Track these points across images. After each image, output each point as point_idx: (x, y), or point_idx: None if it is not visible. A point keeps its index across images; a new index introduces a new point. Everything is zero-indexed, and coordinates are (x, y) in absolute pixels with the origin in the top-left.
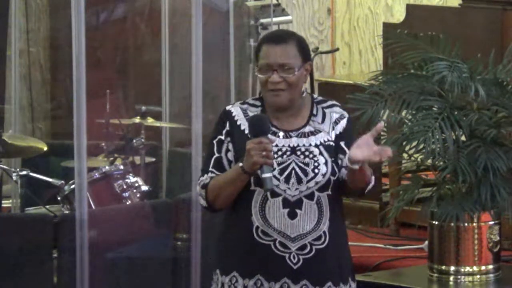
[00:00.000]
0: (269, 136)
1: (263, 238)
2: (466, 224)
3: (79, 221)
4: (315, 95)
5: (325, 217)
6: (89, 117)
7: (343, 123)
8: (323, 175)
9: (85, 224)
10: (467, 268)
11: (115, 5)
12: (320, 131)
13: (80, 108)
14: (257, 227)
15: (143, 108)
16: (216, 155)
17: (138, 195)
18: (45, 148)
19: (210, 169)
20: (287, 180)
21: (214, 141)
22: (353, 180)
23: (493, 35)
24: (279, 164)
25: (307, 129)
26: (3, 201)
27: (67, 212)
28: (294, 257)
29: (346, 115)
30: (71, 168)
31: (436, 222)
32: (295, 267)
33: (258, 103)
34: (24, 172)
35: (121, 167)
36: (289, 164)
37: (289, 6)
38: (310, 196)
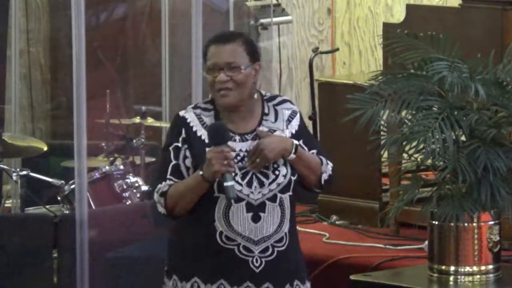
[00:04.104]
0: (229, 144)
1: (226, 243)
2: (466, 224)
3: (79, 221)
4: (263, 92)
5: (286, 219)
6: (89, 117)
7: (297, 120)
8: (284, 176)
9: (85, 224)
10: (467, 268)
11: (115, 5)
12: (275, 131)
13: (80, 108)
14: (221, 232)
15: (143, 108)
16: (174, 162)
17: (138, 195)
18: (45, 148)
19: (168, 176)
20: (249, 184)
21: (170, 148)
22: (301, 170)
23: (493, 35)
24: (240, 169)
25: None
26: (3, 201)
27: (67, 212)
28: (257, 261)
29: (297, 110)
30: (71, 168)
31: (436, 222)
32: (257, 270)
33: (210, 106)
34: (24, 172)
35: (121, 167)
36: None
37: (289, 6)
38: (273, 199)
